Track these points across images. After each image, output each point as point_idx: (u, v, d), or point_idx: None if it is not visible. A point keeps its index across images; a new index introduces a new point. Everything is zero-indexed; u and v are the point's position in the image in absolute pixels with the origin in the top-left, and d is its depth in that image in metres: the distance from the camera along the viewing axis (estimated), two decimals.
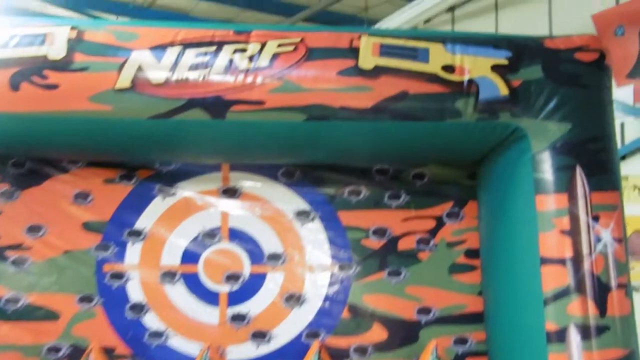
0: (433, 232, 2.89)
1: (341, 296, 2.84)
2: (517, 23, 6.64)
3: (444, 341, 2.76)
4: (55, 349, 2.75)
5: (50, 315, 2.78)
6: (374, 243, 2.88)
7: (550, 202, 2.37)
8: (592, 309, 2.28)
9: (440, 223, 2.90)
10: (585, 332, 2.27)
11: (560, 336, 2.29)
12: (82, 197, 2.88)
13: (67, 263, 2.83)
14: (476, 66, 2.42)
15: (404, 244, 2.87)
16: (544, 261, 2.36)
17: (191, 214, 2.89)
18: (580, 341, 2.26)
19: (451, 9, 8.29)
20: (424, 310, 2.81)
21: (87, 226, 2.87)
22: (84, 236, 2.86)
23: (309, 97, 2.40)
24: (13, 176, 2.87)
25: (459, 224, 2.90)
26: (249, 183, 2.92)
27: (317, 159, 2.79)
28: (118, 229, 2.87)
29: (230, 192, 2.92)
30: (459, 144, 2.59)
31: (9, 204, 2.86)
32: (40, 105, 2.40)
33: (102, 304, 2.80)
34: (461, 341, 2.80)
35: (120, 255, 2.85)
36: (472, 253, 2.86)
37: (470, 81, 2.43)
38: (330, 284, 2.85)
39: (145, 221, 2.88)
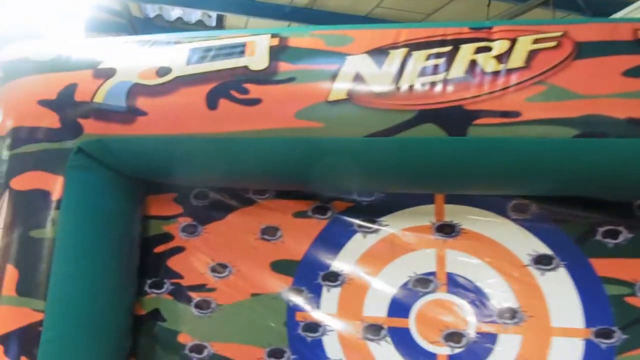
0: None
1: None
2: None
3: None
4: None
5: None
6: None
7: None
8: None
9: None
10: None
11: None
12: (270, 232, 2.50)
13: (255, 308, 2.43)
14: None
15: None
16: None
17: (399, 255, 2.37)
18: None
19: None
20: None
21: (276, 266, 2.47)
22: (273, 278, 2.46)
23: (582, 105, 1.79)
24: (195, 209, 2.57)
25: None
26: (469, 218, 2.35)
27: (566, 189, 2.15)
28: (311, 271, 2.43)
29: (447, 229, 2.37)
30: None
31: (192, 240, 2.55)
32: (240, 124, 2.05)
33: None
34: None
35: (315, 303, 2.41)
36: None
37: None
38: (586, 356, 2.17)
39: (343, 263, 2.41)
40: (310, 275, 2.43)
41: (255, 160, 2.10)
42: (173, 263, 2.56)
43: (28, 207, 2.22)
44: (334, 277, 2.40)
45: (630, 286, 2.18)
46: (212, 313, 2.47)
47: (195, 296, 2.50)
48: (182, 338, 2.47)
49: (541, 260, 2.26)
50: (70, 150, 2.23)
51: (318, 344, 2.35)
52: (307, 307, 2.40)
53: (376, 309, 2.35)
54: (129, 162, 2.25)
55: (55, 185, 2.22)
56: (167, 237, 2.59)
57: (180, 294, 2.52)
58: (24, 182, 2.25)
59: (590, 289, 2.20)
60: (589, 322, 2.18)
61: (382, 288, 2.36)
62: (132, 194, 2.45)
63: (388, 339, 2.31)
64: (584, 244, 2.24)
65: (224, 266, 2.50)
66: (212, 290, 2.49)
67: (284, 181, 2.27)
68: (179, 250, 2.57)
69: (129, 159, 2.24)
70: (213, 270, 2.51)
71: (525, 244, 2.29)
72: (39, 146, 2.25)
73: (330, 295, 2.39)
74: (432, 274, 2.34)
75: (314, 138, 1.99)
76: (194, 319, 2.47)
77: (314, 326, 2.38)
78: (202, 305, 2.48)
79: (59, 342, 2.11)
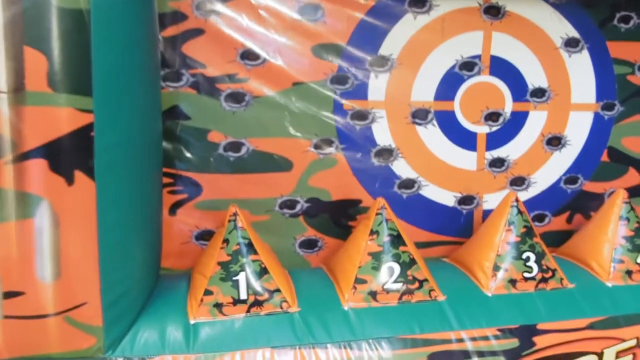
0: None
1: (602, 139, 2.53)
2: None
3: None
4: (289, 204, 2.26)
5: (282, 165, 2.23)
6: None
7: None
8: None
9: None
10: None
11: None
12: (309, 11, 2.17)
13: (296, 98, 2.21)
14: None
15: None
16: None
17: (448, 37, 2.30)
18: None
19: None
20: None
21: (319, 51, 2.21)
22: (315, 64, 2.21)
23: None
24: None
25: None
26: (513, 1, 2.34)
27: None
28: (358, 57, 2.23)
29: (494, 11, 2.33)
30: None
31: (212, 20, 2.10)
32: None
33: (342, 150, 2.28)
34: None
35: (362, 90, 2.26)
36: None
37: None
38: (593, 125, 2.50)
39: (391, 46, 2.25)
40: (357, 61, 2.24)
41: None
42: (190, 49, 2.11)
43: None
44: (382, 62, 2.26)
45: (632, 66, 2.50)
46: (247, 106, 2.18)
47: (225, 88, 2.15)
48: (213, 136, 2.17)
49: (570, 43, 2.42)
50: None
51: (367, 132, 2.29)
52: (354, 95, 2.26)
53: (424, 93, 2.32)
54: None
55: None
56: (177, 17, 2.09)
57: (204, 86, 2.13)
58: None
59: (604, 68, 2.47)
60: (599, 97, 2.49)
61: (430, 72, 2.31)
62: None
63: (434, 122, 2.35)
64: (604, 27, 2.44)
65: (256, 52, 2.15)
66: (244, 80, 2.16)
67: None
68: (196, 33, 2.11)
69: None
70: (243, 56, 2.15)
71: (558, 27, 2.40)
72: None
73: (379, 82, 2.27)
74: (478, 57, 2.35)
75: None
76: (225, 115, 2.16)
77: (362, 114, 2.28)
78: (233, 99, 2.16)
79: (116, 150, 1.68)
